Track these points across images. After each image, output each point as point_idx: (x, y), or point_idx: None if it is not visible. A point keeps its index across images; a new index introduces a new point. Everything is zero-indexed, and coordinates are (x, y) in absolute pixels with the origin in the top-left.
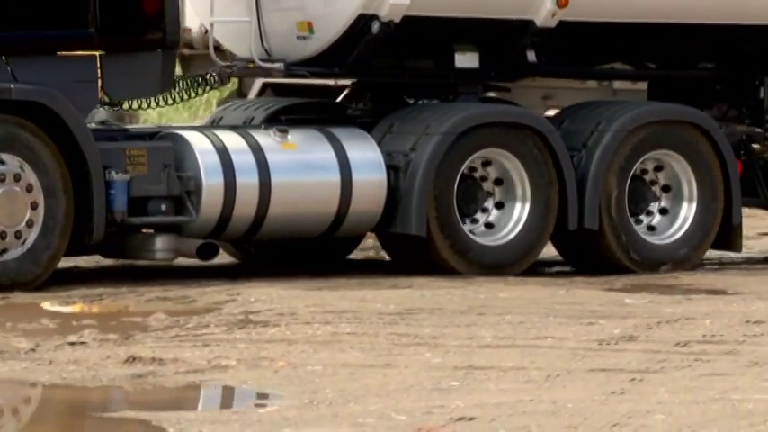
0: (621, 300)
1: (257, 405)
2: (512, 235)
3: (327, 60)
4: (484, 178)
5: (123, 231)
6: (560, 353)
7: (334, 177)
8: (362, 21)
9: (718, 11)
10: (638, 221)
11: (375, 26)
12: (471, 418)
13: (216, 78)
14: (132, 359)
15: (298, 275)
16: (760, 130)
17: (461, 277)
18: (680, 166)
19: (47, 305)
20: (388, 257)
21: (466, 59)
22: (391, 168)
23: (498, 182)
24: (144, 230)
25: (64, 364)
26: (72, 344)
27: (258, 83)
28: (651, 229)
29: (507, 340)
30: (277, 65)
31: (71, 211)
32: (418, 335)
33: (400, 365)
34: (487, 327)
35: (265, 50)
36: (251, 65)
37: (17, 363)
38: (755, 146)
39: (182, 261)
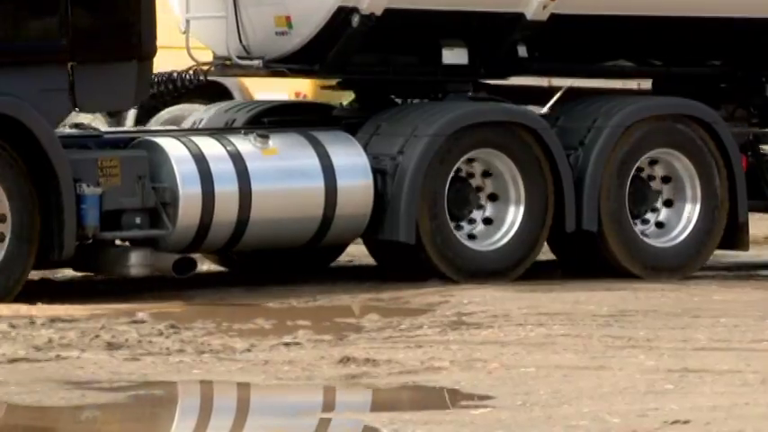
0: None
1: (470, 406)
2: (506, 239)
3: (308, 57)
4: (473, 176)
5: (96, 245)
6: None
7: (318, 184)
8: (342, 14)
9: (722, 3)
10: (640, 223)
11: (355, 19)
12: (686, 422)
13: (192, 77)
14: (346, 360)
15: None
16: (767, 130)
17: (676, 279)
18: (682, 164)
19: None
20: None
21: (454, 55)
22: (378, 172)
23: (489, 180)
24: (118, 243)
25: (279, 364)
26: (287, 344)
27: None
28: (653, 229)
29: (722, 343)
30: (255, 62)
31: (38, 225)
32: (632, 337)
33: (614, 368)
34: (702, 329)
35: (243, 47)
36: (228, 62)
37: (233, 363)
38: (763, 146)
39: None
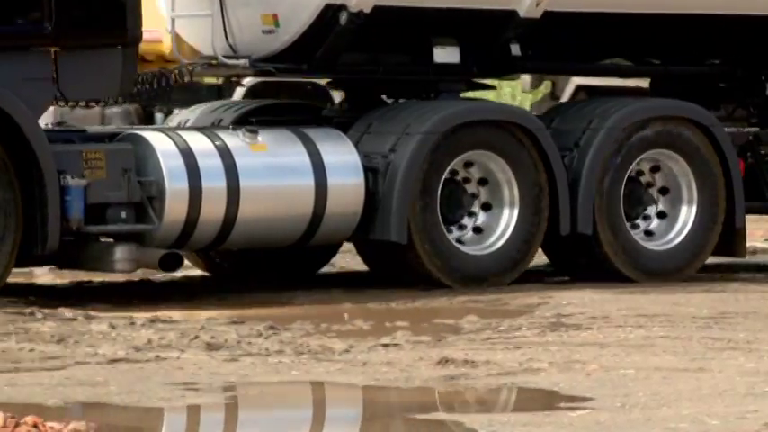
0: None
1: (569, 408)
2: (500, 242)
3: (296, 56)
4: (468, 180)
5: (79, 240)
6: None
7: (308, 181)
8: (330, 11)
9: (721, 0)
10: (635, 226)
11: (343, 17)
12: None
13: (177, 77)
14: (444, 361)
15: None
16: None
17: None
18: (678, 167)
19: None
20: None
21: (445, 54)
22: (369, 171)
23: (483, 183)
24: (102, 239)
25: (377, 365)
26: (385, 345)
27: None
28: (648, 234)
29: None
30: (242, 61)
31: (21, 217)
32: (732, 339)
33: (713, 370)
34: None
35: (230, 46)
36: (214, 62)
37: (331, 364)
38: (763, 147)
39: None
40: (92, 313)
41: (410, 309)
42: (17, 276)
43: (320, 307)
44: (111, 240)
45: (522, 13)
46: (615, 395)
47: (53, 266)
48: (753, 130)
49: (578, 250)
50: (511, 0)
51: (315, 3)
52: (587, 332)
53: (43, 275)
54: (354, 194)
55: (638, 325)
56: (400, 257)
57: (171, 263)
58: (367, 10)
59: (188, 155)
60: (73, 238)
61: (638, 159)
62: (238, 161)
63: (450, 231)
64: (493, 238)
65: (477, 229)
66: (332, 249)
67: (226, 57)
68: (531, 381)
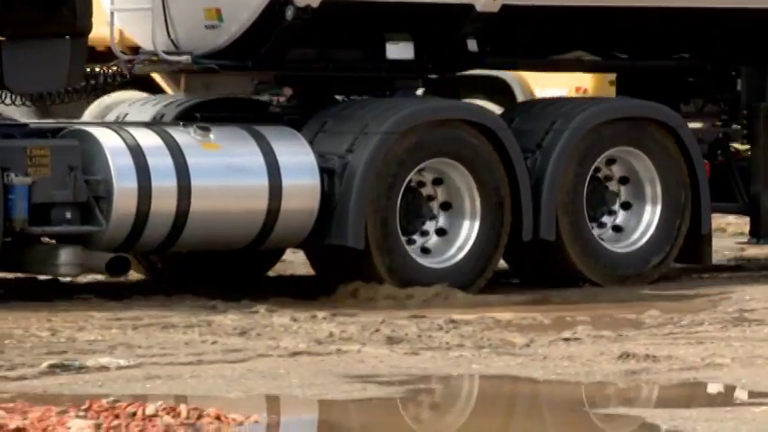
0: None
1: (752, 404)
2: (462, 253)
3: (241, 52)
4: (423, 184)
5: (21, 241)
6: None
7: (262, 181)
8: (276, 6)
9: None
10: (599, 227)
11: (289, 12)
12: None
13: (116, 74)
14: (626, 356)
15: None
16: (738, 127)
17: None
18: (644, 169)
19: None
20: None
21: (399, 50)
22: (325, 172)
23: (441, 186)
24: (45, 240)
25: (558, 359)
26: (566, 340)
27: None
28: (613, 234)
29: None
30: (183, 58)
31: None
32: None
33: None
34: None
35: (172, 42)
36: (154, 58)
37: (512, 358)
38: (734, 145)
39: None
40: (274, 307)
41: (591, 304)
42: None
43: (499, 301)
44: (54, 242)
45: (479, 7)
46: None
47: None
48: (723, 127)
49: (541, 256)
50: None
51: None
52: None
53: None
54: (310, 196)
55: None
56: (356, 264)
57: (118, 267)
58: (315, 5)
59: (137, 153)
60: (12, 239)
61: (601, 160)
62: (190, 160)
63: (408, 242)
64: (454, 249)
65: (434, 240)
66: (279, 252)
67: (167, 52)
68: (713, 376)
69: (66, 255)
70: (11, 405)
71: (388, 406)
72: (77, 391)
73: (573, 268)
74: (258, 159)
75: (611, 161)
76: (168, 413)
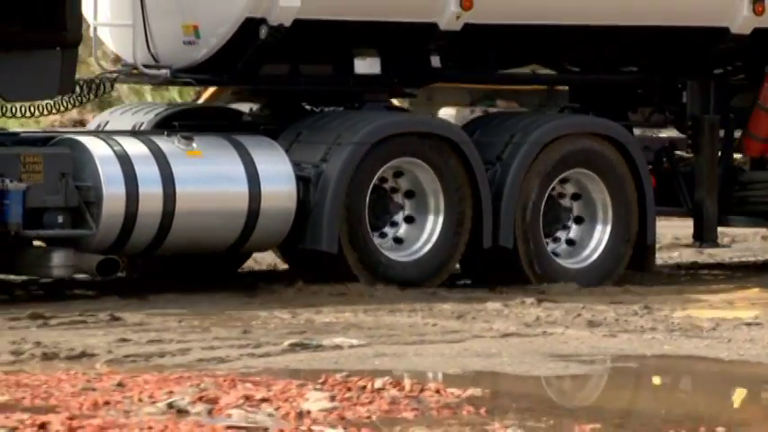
0: None
1: None
2: (424, 250)
3: (217, 67)
4: (395, 190)
5: (13, 244)
6: None
7: (242, 188)
8: (250, 24)
9: (635, 12)
10: (553, 241)
11: (263, 31)
12: None
13: (98, 85)
14: None
15: None
16: (683, 136)
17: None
18: (594, 182)
19: None
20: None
21: (366, 65)
22: (301, 180)
23: (410, 194)
24: (36, 244)
25: (741, 342)
26: (748, 324)
27: None
28: (566, 246)
29: None
30: (163, 71)
31: None
32: None
33: None
34: None
35: (152, 56)
36: (135, 71)
37: (700, 341)
38: (679, 152)
39: None
40: (489, 294)
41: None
42: None
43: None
44: (44, 245)
45: (442, 26)
46: None
47: None
48: (668, 135)
49: (497, 263)
50: (432, 13)
51: (235, 15)
52: None
53: None
54: (287, 202)
55: None
56: (330, 265)
57: (108, 268)
58: (287, 23)
59: (125, 161)
60: (4, 242)
61: (557, 174)
62: (174, 167)
63: (375, 238)
64: (417, 245)
65: (398, 240)
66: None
67: (147, 66)
68: None
69: (58, 257)
70: (257, 379)
71: (589, 381)
72: (315, 366)
73: (524, 278)
74: (238, 167)
75: (564, 180)
76: (394, 387)
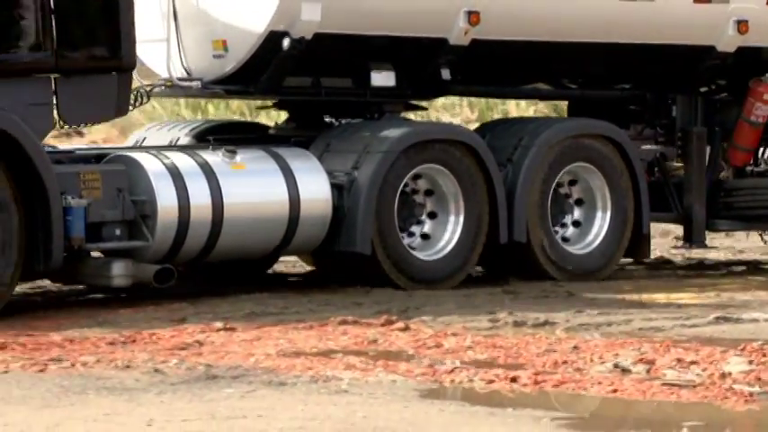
0: None
1: None
2: (447, 248)
3: (244, 78)
4: (416, 191)
5: (74, 256)
6: None
7: (283, 197)
8: (274, 38)
9: (630, 31)
10: (557, 232)
11: (286, 43)
12: None
13: (135, 98)
14: None
15: None
16: (673, 148)
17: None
18: (595, 178)
19: None
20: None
21: (382, 78)
22: (334, 187)
23: (429, 193)
24: (95, 255)
25: None
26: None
27: None
28: (566, 239)
29: None
30: (194, 83)
31: (23, 229)
32: None
33: None
34: None
35: (185, 69)
36: (169, 84)
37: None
38: (669, 163)
39: None
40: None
41: None
42: None
43: None
44: (103, 256)
45: (451, 41)
46: None
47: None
48: (659, 147)
49: (512, 257)
50: (442, 29)
51: (260, 29)
52: None
53: None
54: (323, 209)
55: None
56: (362, 266)
57: (164, 277)
58: (308, 37)
59: (176, 175)
60: (67, 254)
61: (562, 172)
62: (221, 180)
63: (403, 239)
64: (440, 245)
65: (424, 237)
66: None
67: (180, 79)
68: None
69: (118, 268)
70: (687, 345)
71: None
72: (735, 336)
73: (539, 268)
74: (279, 178)
75: (571, 177)
76: None
